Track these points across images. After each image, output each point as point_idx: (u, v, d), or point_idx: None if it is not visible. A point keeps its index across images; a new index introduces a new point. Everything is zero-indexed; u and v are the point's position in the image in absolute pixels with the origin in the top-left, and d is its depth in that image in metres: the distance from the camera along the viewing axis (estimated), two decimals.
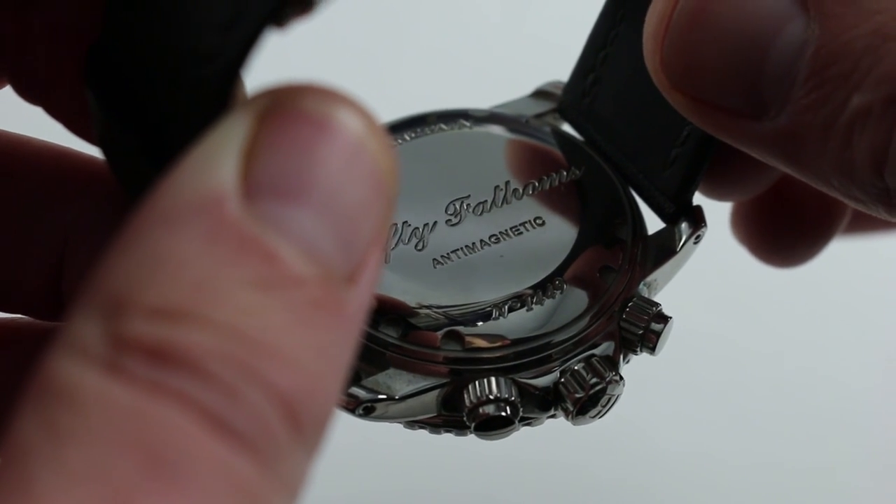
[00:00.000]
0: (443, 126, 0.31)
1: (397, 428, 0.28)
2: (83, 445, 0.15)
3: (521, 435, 0.28)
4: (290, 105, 0.17)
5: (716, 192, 0.34)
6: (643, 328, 0.28)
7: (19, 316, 0.28)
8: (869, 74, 0.23)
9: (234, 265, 0.16)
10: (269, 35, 0.18)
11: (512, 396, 0.27)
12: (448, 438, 0.29)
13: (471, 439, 0.28)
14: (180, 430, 0.16)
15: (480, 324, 0.27)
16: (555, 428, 0.29)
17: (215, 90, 0.18)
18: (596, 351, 0.28)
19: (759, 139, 0.25)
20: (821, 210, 0.34)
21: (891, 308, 0.56)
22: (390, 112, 0.31)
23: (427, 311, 0.27)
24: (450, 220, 0.29)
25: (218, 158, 0.17)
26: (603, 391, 0.27)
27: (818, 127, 0.23)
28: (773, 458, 0.52)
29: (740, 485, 0.52)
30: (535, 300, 0.28)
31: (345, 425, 0.26)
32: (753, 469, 0.52)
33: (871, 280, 0.54)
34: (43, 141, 0.27)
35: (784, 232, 0.34)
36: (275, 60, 0.21)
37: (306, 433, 0.17)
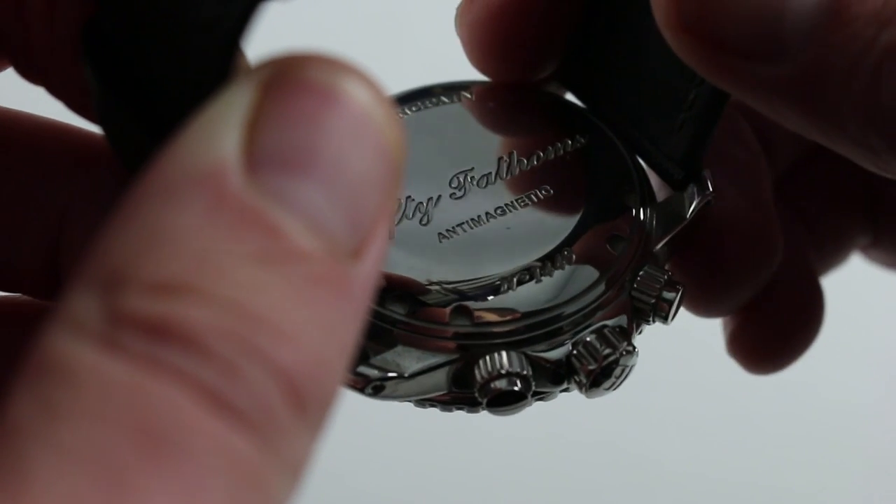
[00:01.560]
0: (444, 99, 0.31)
1: (408, 406, 0.28)
2: (78, 423, 0.15)
3: (533, 412, 0.27)
4: (295, 75, 0.17)
5: (706, 308, 0.33)
6: (655, 297, 0.28)
7: (16, 294, 0.28)
8: None
9: (235, 239, 0.16)
10: (271, 3, 0.17)
11: (524, 370, 0.26)
12: (459, 416, 0.28)
13: (482, 416, 0.28)
14: (178, 407, 0.15)
15: (489, 298, 0.27)
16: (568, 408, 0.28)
17: (216, 61, 0.17)
18: (608, 322, 0.27)
19: (773, 85, 0.24)
20: (799, 322, 0.35)
21: (892, 321, 0.56)
22: (393, 85, 0.30)
23: (434, 286, 0.27)
24: (454, 193, 0.29)
25: (220, 130, 0.17)
26: (616, 362, 0.27)
27: (842, 67, 0.23)
28: (770, 467, 0.52)
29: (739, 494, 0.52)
30: (544, 272, 0.27)
31: (353, 404, 0.26)
32: (751, 478, 0.52)
33: (872, 292, 0.54)
34: (39, 116, 0.26)
35: (773, 345, 0.35)
36: (275, 30, 0.20)
37: (309, 412, 0.16)
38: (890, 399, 0.54)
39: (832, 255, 0.37)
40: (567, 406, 0.28)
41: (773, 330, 0.34)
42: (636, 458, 0.53)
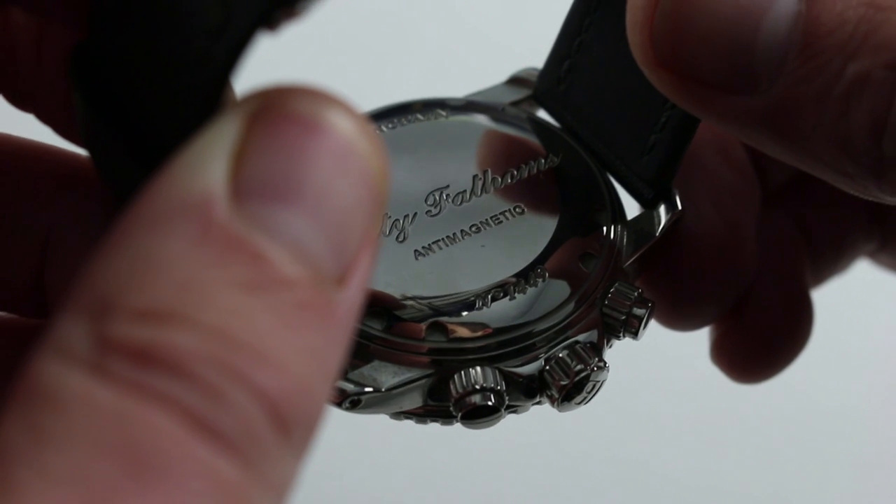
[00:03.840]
0: (419, 116, 0.31)
1: (383, 419, 0.28)
2: (65, 448, 0.15)
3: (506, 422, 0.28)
4: (280, 106, 0.17)
5: (675, 322, 0.34)
6: (626, 313, 0.28)
7: (2, 313, 0.28)
8: (865, 42, 0.23)
9: (221, 266, 0.16)
10: (260, 38, 0.18)
11: (498, 385, 0.27)
12: (434, 428, 0.29)
13: (456, 428, 0.28)
14: (163, 432, 0.16)
15: (464, 314, 0.27)
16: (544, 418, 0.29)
17: (205, 95, 0.18)
18: (580, 338, 0.28)
19: (747, 116, 0.25)
20: (784, 334, 0.35)
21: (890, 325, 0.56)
22: (371, 103, 0.30)
23: (410, 302, 0.27)
24: (430, 210, 0.29)
25: (207, 160, 0.17)
26: (587, 378, 0.27)
27: (812, 98, 0.23)
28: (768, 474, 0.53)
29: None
30: (517, 289, 0.28)
31: (330, 418, 0.26)
32: (747, 486, 0.53)
33: (870, 296, 0.54)
34: (22, 138, 0.26)
35: (756, 354, 0.35)
36: (260, 60, 0.21)
37: (293, 435, 0.17)
38: (888, 404, 0.55)
39: (832, 264, 0.37)
40: (551, 413, 0.29)
41: (757, 340, 0.35)
42: (633, 463, 0.53)
